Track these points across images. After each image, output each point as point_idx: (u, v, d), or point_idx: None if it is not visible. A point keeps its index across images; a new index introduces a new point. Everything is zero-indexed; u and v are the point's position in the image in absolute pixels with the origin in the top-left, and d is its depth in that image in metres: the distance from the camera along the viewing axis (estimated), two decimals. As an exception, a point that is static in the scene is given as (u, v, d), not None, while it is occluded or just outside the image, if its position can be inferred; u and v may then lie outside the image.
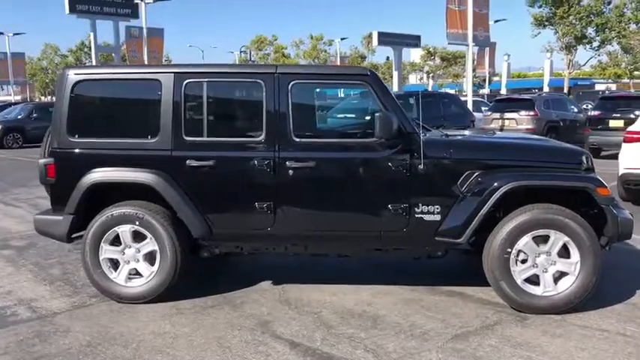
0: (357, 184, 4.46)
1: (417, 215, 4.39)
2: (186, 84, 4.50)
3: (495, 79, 45.80)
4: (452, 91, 29.12)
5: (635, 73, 45.07)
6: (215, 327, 4.13)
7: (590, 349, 3.68)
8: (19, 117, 21.86)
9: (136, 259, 4.57)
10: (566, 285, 4.24)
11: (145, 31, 27.20)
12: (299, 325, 4.14)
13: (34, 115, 21.73)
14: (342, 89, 7.15)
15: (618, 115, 13.88)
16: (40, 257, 6.02)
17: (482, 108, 19.62)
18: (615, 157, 9.07)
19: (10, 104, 29.33)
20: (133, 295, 4.56)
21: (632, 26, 35.56)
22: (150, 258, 4.56)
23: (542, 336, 3.90)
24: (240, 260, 5.78)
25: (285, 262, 5.69)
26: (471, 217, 4.27)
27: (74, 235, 4.70)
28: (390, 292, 4.79)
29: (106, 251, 4.56)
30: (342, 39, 52.84)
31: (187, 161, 4.46)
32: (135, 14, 26.70)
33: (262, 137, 4.45)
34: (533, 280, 4.31)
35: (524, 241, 4.23)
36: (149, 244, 4.53)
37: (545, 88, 40.90)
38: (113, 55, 28.21)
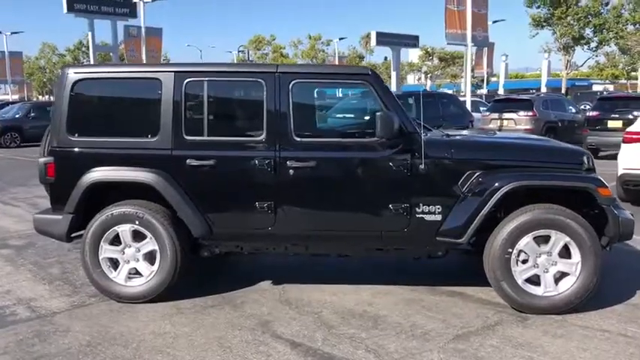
0: (357, 184, 4.45)
1: (417, 215, 4.38)
2: (186, 83, 4.48)
3: (493, 79, 45.83)
4: (450, 92, 29.09)
5: (633, 73, 45.14)
6: (215, 327, 4.11)
7: (592, 350, 3.68)
8: (17, 116, 21.79)
9: (136, 258, 4.56)
10: (567, 285, 4.24)
11: (143, 30, 27.15)
12: (299, 325, 4.13)
13: (32, 114, 21.67)
14: (340, 89, 7.16)
15: (617, 115, 13.91)
16: (39, 256, 6.00)
17: (481, 108, 19.65)
18: (614, 157, 9.09)
19: (7, 103, 29.28)
20: (133, 294, 4.54)
21: (630, 27, 35.65)
22: (150, 257, 4.55)
23: (543, 336, 3.90)
24: (240, 260, 5.77)
25: (285, 261, 5.68)
26: (472, 217, 4.27)
27: (74, 235, 4.68)
28: (391, 292, 4.78)
29: (106, 251, 4.55)
30: (340, 39, 52.81)
31: (188, 160, 4.44)
32: (133, 14, 26.64)
33: (263, 137, 4.44)
34: (534, 281, 4.30)
35: (525, 242, 4.23)
36: (149, 244, 4.52)
37: (543, 89, 40.95)
38: (111, 54, 28.15)
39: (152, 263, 4.54)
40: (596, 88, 44.59)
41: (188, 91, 4.49)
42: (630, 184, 8.07)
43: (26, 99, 46.84)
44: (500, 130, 14.88)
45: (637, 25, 34.95)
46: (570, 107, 17.41)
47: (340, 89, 7.29)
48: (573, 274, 4.22)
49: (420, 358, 3.61)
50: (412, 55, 61.94)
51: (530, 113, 15.34)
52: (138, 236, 4.53)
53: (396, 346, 3.78)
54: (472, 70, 23.17)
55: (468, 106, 17.43)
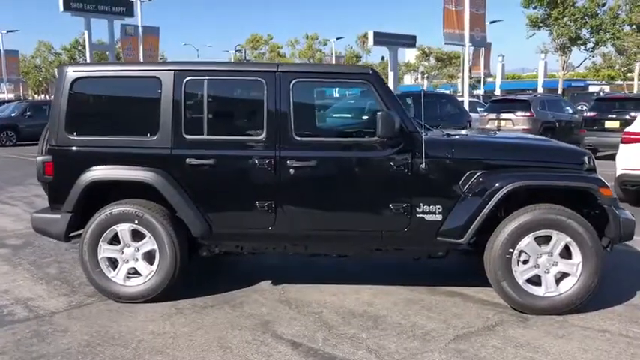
0: (358, 184, 4.43)
1: (418, 215, 4.37)
2: (186, 82, 4.46)
3: (489, 79, 45.91)
4: (447, 92, 29.11)
5: (629, 74, 45.25)
6: (215, 327, 4.09)
7: (593, 351, 3.67)
8: (13, 115, 21.70)
9: (135, 258, 4.53)
10: (568, 286, 4.23)
11: (140, 29, 27.08)
12: (300, 325, 4.11)
13: (28, 113, 21.59)
14: (337, 88, 7.13)
15: (614, 116, 13.94)
16: (37, 256, 5.96)
17: (478, 108, 19.69)
18: (611, 158, 9.10)
19: (3, 102, 29.15)
20: (132, 294, 4.51)
21: (626, 28, 35.69)
22: (149, 257, 4.52)
23: (544, 337, 3.89)
24: (239, 260, 5.75)
25: (284, 261, 5.66)
26: (473, 218, 4.25)
27: (72, 234, 4.65)
28: (390, 292, 4.76)
29: (105, 250, 4.52)
30: (337, 39, 52.88)
31: (187, 160, 4.42)
32: (129, 12, 26.54)
33: (263, 136, 4.42)
34: (535, 281, 4.29)
35: (526, 242, 4.22)
36: (148, 243, 4.49)
37: (539, 89, 41.07)
38: (107, 53, 28.05)
39: (151, 263, 4.51)
40: (592, 88, 44.67)
41: (188, 90, 4.47)
42: (628, 185, 8.08)
43: (22, 98, 46.62)
44: (498, 130, 14.90)
45: (633, 26, 34.99)
46: (567, 108, 17.45)
47: (337, 88, 7.28)
48: (574, 274, 4.21)
49: (422, 359, 3.60)
50: (409, 55, 62.00)
51: (528, 114, 15.37)
52: (137, 236, 4.50)
53: (397, 346, 3.77)
54: (469, 71, 23.17)
55: (466, 106, 17.43)
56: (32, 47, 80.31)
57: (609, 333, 3.94)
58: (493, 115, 15.91)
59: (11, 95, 48.13)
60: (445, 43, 19.28)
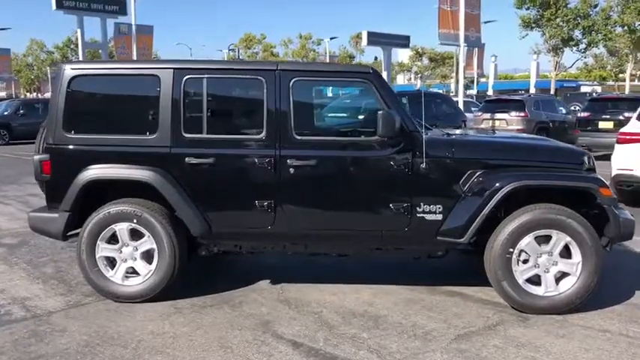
0: (358, 183, 4.42)
1: (418, 214, 4.36)
2: (185, 80, 4.43)
3: (482, 80, 46.03)
4: (440, 92, 29.17)
5: (620, 75, 45.50)
6: (215, 327, 4.06)
7: (595, 350, 3.67)
8: (6, 113, 21.53)
9: (133, 257, 4.50)
10: (568, 285, 4.24)
11: (134, 27, 26.94)
12: (300, 325, 4.09)
13: (21, 111, 21.45)
14: (330, 87, 7.09)
15: (607, 116, 14.01)
16: (33, 255, 5.91)
17: (472, 108, 19.71)
18: (604, 158, 9.14)
19: (-5, 100, 28.91)
20: (130, 294, 4.48)
21: (618, 29, 35.88)
22: (147, 256, 4.49)
23: (545, 336, 3.89)
24: (237, 259, 5.71)
25: (282, 261, 5.64)
26: (474, 217, 4.25)
27: (70, 233, 4.61)
28: (390, 291, 4.75)
29: (103, 249, 4.48)
30: (331, 38, 52.87)
31: (186, 159, 4.39)
32: (123, 11, 26.37)
33: (263, 135, 4.40)
34: (535, 281, 4.30)
35: (526, 241, 4.22)
36: (147, 243, 4.46)
37: (532, 90, 41.18)
38: (100, 51, 27.89)
39: (150, 262, 4.48)
40: (584, 89, 44.88)
41: (187, 88, 4.44)
42: (624, 185, 8.11)
43: (14, 96, 46.33)
44: (493, 130, 14.94)
45: (625, 28, 35.19)
46: (561, 108, 17.52)
47: (329, 88, 7.24)
48: (574, 274, 4.22)
49: (423, 359, 3.59)
50: (402, 55, 62.02)
51: (522, 114, 15.42)
52: (135, 235, 4.47)
53: (398, 346, 3.76)
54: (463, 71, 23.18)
55: (461, 106, 17.47)
56: (24, 45, 79.71)
57: (610, 333, 3.95)
58: (487, 115, 15.96)
59: (3, 94, 47.79)
60: (440, 43, 19.33)
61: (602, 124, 14.00)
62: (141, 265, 4.49)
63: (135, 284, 4.49)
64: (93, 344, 3.78)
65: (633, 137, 7.97)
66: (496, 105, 16.57)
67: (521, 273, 4.25)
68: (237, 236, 4.61)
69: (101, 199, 4.55)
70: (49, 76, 62.76)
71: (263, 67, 4.56)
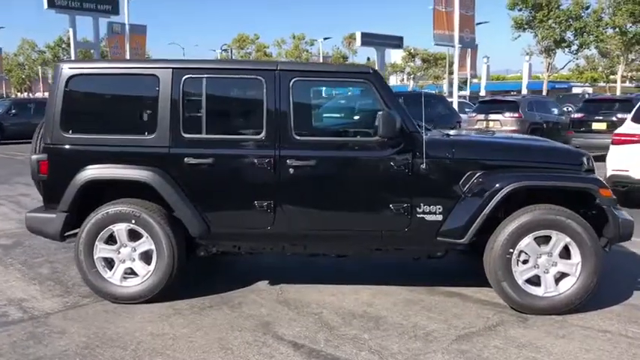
0: (358, 183, 4.41)
1: (418, 215, 4.35)
2: (184, 80, 4.40)
3: (474, 81, 46.21)
4: (434, 92, 29.27)
5: (612, 77, 45.76)
6: (215, 328, 4.04)
7: (595, 351, 3.68)
8: (-3, 113, 21.37)
9: (132, 258, 4.46)
10: (567, 286, 4.24)
11: (127, 27, 26.84)
12: (300, 326, 4.07)
13: (13, 111, 21.26)
14: (334, 88, 7.08)
15: (601, 117, 14.06)
16: (28, 256, 5.85)
17: (466, 109, 19.76)
18: (598, 159, 9.15)
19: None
20: (129, 295, 4.44)
21: (609, 31, 36.08)
22: (146, 257, 4.46)
23: (545, 337, 3.90)
24: (235, 260, 5.69)
25: (281, 261, 5.62)
26: (474, 218, 4.25)
27: (67, 234, 4.57)
28: (389, 292, 4.74)
29: (101, 250, 4.45)
30: (325, 39, 52.83)
31: (185, 159, 4.36)
32: (115, 10, 26.29)
33: (262, 135, 4.38)
34: (534, 281, 4.30)
35: (526, 242, 4.22)
36: (145, 243, 4.43)
37: (524, 91, 41.36)
38: (92, 51, 27.77)
39: (148, 263, 4.45)
40: (575, 90, 45.12)
41: (186, 88, 4.41)
42: (619, 186, 8.14)
43: (5, 95, 46.02)
44: (492, 131, 14.99)
45: (616, 29, 35.40)
46: (554, 109, 17.59)
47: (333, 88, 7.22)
48: (573, 274, 4.23)
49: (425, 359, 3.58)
50: (394, 56, 62.11)
51: (516, 115, 15.47)
52: (134, 235, 4.44)
53: (400, 347, 3.75)
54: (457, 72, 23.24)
55: (455, 106, 17.52)
56: (15, 45, 79.31)
57: (610, 333, 3.96)
58: (481, 116, 16.00)
59: (-7, 93, 47.44)
60: (435, 44, 19.38)
61: (595, 125, 14.06)
62: (139, 266, 4.46)
63: (133, 285, 4.46)
64: (92, 346, 3.74)
65: (628, 138, 8.01)
66: (490, 106, 16.62)
67: (520, 273, 4.26)
68: (236, 237, 4.59)
69: (99, 199, 4.52)
70: (40, 75, 62.45)
71: (263, 67, 4.55)
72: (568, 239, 4.20)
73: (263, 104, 4.38)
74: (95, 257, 4.43)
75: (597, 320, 4.17)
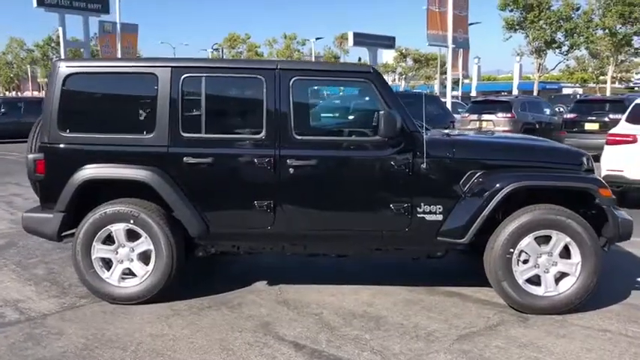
0: (358, 183, 4.39)
1: (418, 215, 4.34)
2: (184, 79, 4.37)
3: (466, 81, 46.36)
4: (427, 92, 29.33)
5: (601, 77, 46.09)
6: (215, 328, 4.01)
7: (597, 350, 3.69)
8: (-14, 112, 21.16)
9: (130, 258, 4.42)
10: (567, 285, 4.25)
11: (118, 26, 26.64)
12: (301, 326, 4.05)
13: (2, 110, 21.00)
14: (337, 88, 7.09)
15: (593, 118, 14.13)
16: (22, 256, 5.79)
17: (459, 109, 19.82)
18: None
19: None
20: (127, 295, 4.40)
21: (599, 32, 36.34)
22: (144, 257, 4.42)
23: (546, 336, 3.90)
24: (234, 260, 5.65)
25: (280, 261, 5.59)
26: (474, 218, 4.24)
27: (65, 234, 4.52)
28: (389, 292, 4.73)
29: (99, 250, 4.40)
30: (317, 39, 52.80)
31: (185, 158, 4.33)
32: (105, 9, 26.05)
33: (262, 134, 4.35)
34: (534, 281, 4.31)
35: (527, 242, 4.23)
36: (144, 244, 4.39)
37: (515, 91, 41.55)
38: (82, 50, 27.55)
39: (147, 263, 4.41)
40: (566, 91, 45.42)
41: (185, 87, 4.38)
42: (613, 186, 8.15)
43: (-7, 95, 45.63)
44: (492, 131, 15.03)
45: (606, 30, 35.64)
46: (547, 109, 17.67)
47: (322, 87, 7.21)
48: (573, 274, 4.23)
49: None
50: (386, 56, 62.21)
51: (509, 115, 15.52)
52: (132, 236, 4.40)
53: (402, 347, 3.73)
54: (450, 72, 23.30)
55: (449, 106, 17.54)
56: (3, 43, 78.68)
57: (610, 333, 3.97)
58: (474, 116, 16.03)
59: (-18, 92, 47.02)
60: (428, 44, 19.38)
61: (588, 126, 14.13)
62: (137, 267, 4.42)
63: (131, 286, 4.41)
64: (91, 347, 3.70)
65: (623, 138, 8.05)
66: (483, 106, 16.66)
67: (521, 273, 4.26)
68: (235, 237, 4.55)
69: (97, 199, 4.47)
70: (29, 74, 61.96)
71: (263, 67, 4.52)
72: (568, 239, 4.20)
73: (263, 103, 4.35)
74: (93, 257, 4.39)
75: (597, 320, 4.18)
